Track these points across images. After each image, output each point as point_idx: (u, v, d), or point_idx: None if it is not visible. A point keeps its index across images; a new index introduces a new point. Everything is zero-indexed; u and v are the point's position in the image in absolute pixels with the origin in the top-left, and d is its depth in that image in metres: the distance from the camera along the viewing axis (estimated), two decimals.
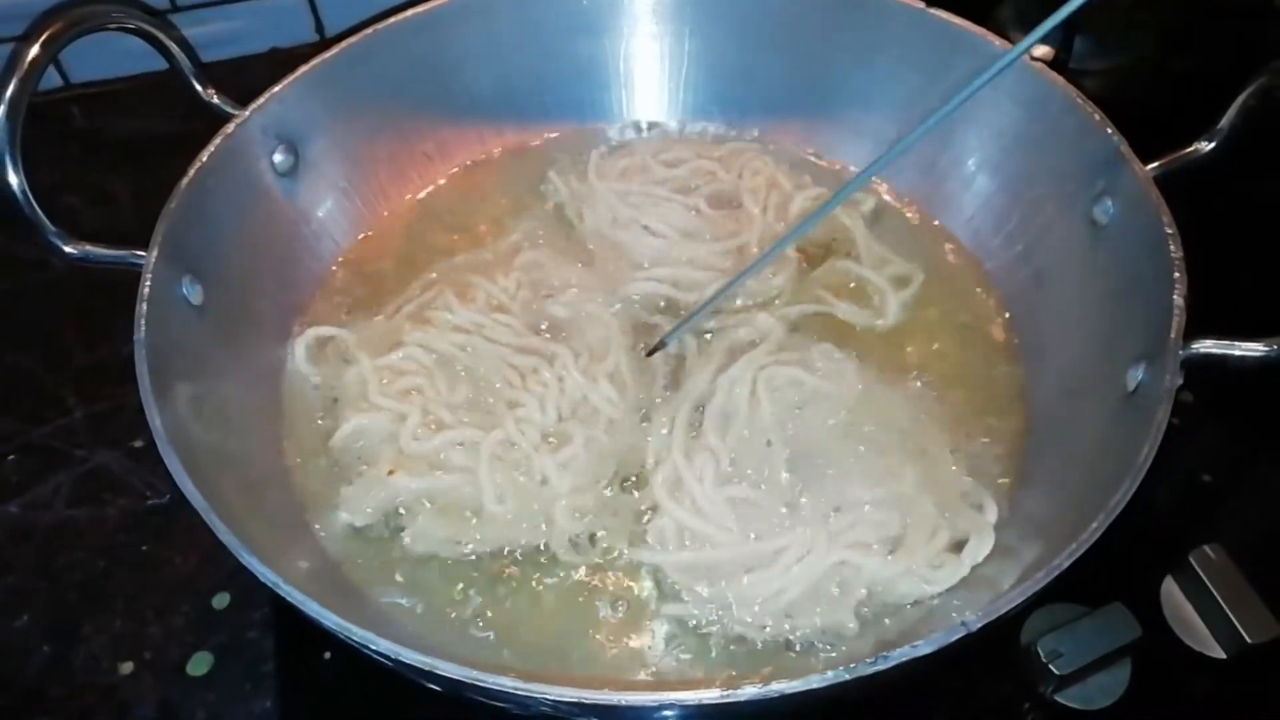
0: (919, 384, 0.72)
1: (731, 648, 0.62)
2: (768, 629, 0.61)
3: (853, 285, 0.79)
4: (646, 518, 0.66)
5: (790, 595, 0.61)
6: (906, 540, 0.63)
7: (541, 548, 0.66)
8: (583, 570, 0.65)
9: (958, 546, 0.63)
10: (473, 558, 0.66)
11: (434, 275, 0.78)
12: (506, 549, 0.66)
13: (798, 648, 0.61)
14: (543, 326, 0.75)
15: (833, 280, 0.79)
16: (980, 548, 0.62)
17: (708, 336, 0.75)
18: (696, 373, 0.71)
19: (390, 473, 0.66)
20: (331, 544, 0.66)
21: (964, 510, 0.65)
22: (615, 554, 0.66)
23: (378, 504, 0.67)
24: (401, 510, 0.67)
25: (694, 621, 0.62)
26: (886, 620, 0.62)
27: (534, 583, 0.65)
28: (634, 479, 0.68)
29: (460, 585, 0.65)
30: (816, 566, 0.62)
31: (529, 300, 0.75)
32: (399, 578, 0.65)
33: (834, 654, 0.61)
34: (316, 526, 0.67)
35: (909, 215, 0.84)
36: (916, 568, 0.62)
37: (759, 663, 0.61)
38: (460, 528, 0.66)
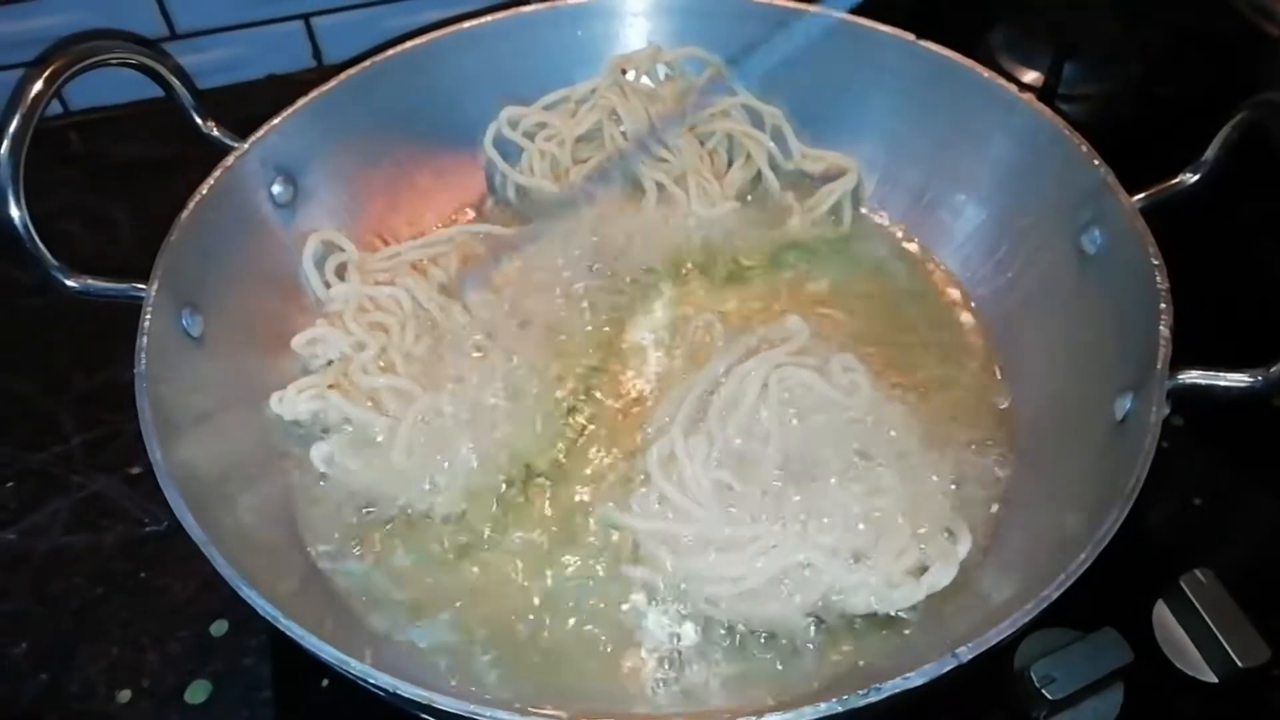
0: (927, 405, 0.73)
1: (685, 620, 0.64)
2: (721, 607, 0.63)
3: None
4: (638, 486, 0.68)
5: (749, 583, 0.63)
6: (873, 554, 0.63)
7: (427, 513, 0.69)
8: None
9: (924, 572, 0.63)
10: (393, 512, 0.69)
11: (450, 235, 0.81)
12: (399, 502, 0.69)
13: (743, 634, 0.63)
14: (516, 315, 0.76)
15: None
16: (941, 576, 0.62)
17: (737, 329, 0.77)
18: (716, 359, 0.72)
19: (331, 387, 0.70)
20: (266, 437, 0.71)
21: (939, 538, 0.65)
22: (484, 536, 0.69)
23: (309, 409, 0.71)
24: (327, 423, 0.71)
25: (651, 587, 0.65)
26: (829, 624, 0.63)
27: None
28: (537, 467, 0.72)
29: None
30: (781, 561, 0.63)
31: (521, 292, 0.77)
32: (381, 579, 0.67)
33: (776, 651, 0.63)
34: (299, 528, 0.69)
35: (901, 244, 0.85)
36: (874, 583, 0.62)
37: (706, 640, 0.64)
38: (364, 464, 0.69)
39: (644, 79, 0.87)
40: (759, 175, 0.85)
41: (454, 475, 0.69)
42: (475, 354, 0.73)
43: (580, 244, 0.81)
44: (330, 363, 0.74)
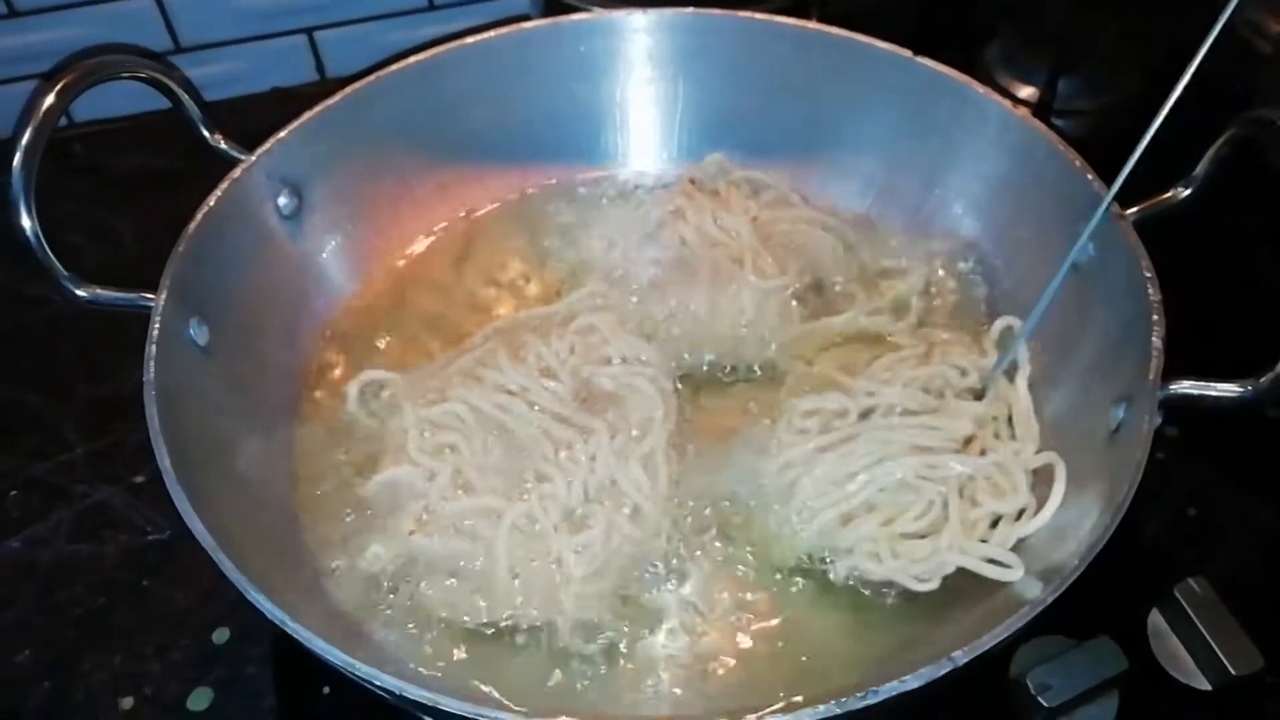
0: None
1: None
2: None
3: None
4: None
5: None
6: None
7: (545, 628, 0.64)
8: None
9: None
10: (475, 627, 0.65)
11: (493, 328, 0.77)
12: (512, 624, 0.65)
13: None
14: (589, 399, 0.72)
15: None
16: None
17: None
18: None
19: (411, 533, 0.66)
20: (344, 590, 0.66)
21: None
22: (620, 645, 0.64)
23: (395, 559, 0.66)
24: (418, 569, 0.66)
25: None
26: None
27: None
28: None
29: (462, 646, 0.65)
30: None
31: (578, 367, 0.73)
32: (411, 628, 0.65)
33: None
34: (334, 568, 0.67)
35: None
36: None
37: None
38: (470, 596, 0.65)
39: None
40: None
41: (568, 584, 0.65)
42: (552, 450, 0.69)
43: (630, 315, 0.78)
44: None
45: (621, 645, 0.64)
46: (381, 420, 0.73)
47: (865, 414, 0.70)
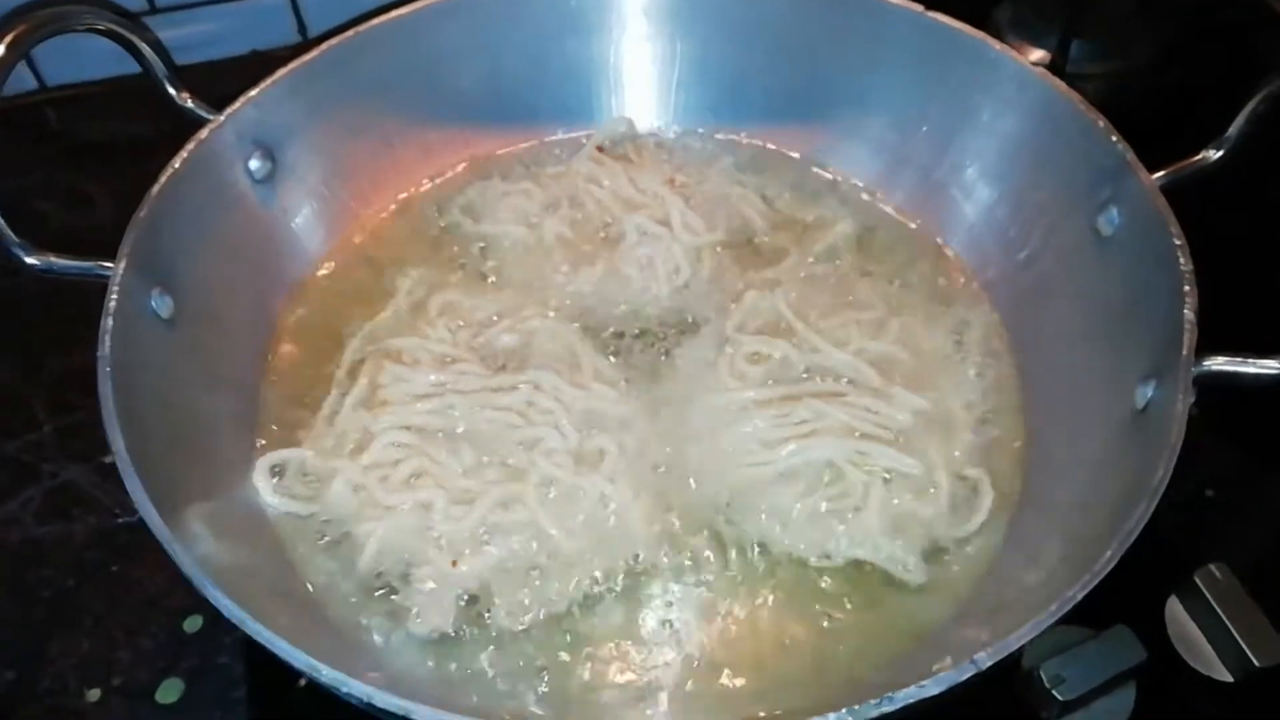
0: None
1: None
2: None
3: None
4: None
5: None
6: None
7: (632, 561, 0.64)
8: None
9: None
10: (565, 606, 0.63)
11: (359, 356, 0.72)
12: (598, 584, 0.64)
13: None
14: (500, 360, 0.72)
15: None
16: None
17: None
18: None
19: (453, 563, 0.62)
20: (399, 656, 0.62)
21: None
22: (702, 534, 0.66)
23: (453, 599, 0.62)
24: (478, 594, 0.63)
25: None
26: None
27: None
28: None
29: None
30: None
31: (470, 341, 0.72)
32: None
33: None
34: (373, 632, 0.62)
35: (906, 224, 0.83)
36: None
37: None
38: (546, 582, 0.63)
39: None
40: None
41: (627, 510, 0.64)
42: (518, 417, 0.67)
43: (563, 294, 0.77)
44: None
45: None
46: (316, 494, 0.67)
47: (808, 370, 0.70)
